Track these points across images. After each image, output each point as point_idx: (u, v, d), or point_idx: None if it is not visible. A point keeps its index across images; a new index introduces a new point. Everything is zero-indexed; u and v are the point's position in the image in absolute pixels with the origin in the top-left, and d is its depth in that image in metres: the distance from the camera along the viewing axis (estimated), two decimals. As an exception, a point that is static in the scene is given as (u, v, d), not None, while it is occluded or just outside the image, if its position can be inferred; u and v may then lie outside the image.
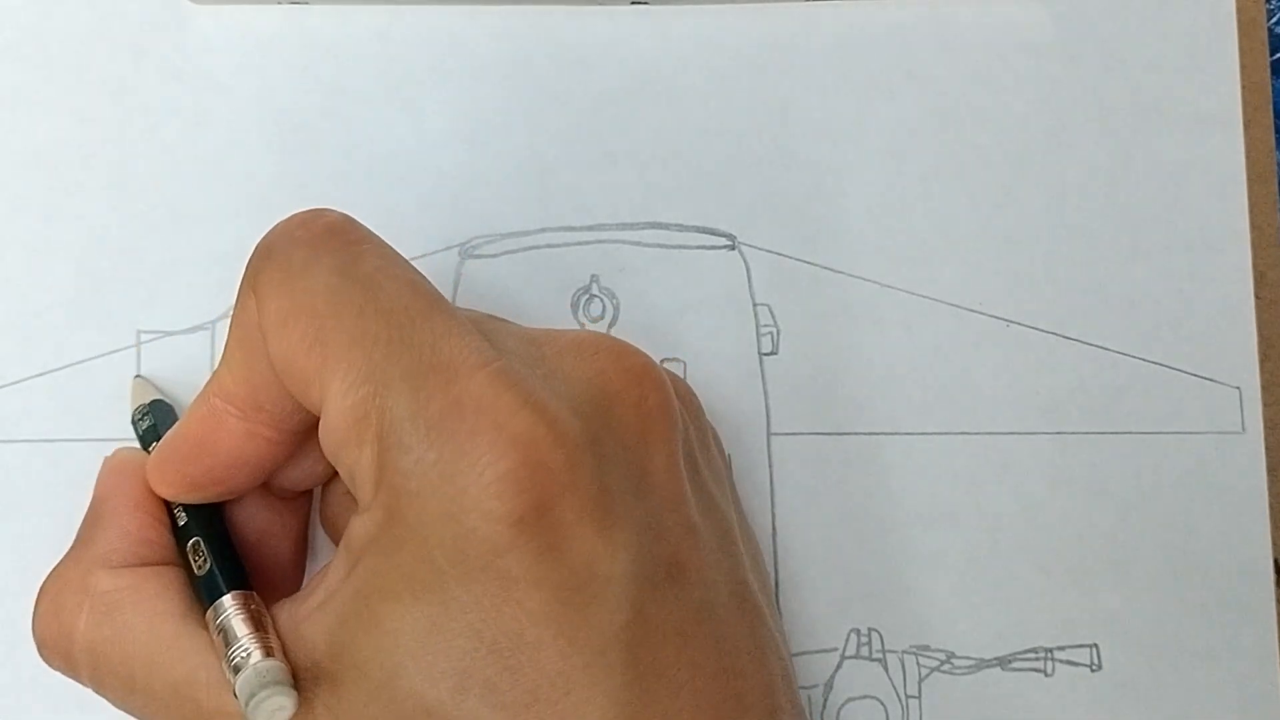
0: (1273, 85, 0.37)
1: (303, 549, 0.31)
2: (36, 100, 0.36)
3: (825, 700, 0.34)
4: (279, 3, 0.36)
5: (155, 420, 0.31)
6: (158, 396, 0.32)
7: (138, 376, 0.34)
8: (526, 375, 0.25)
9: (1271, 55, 0.37)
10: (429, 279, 0.27)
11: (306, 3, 0.36)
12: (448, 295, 0.35)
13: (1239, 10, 0.37)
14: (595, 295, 0.35)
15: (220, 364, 0.27)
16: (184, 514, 0.28)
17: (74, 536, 0.29)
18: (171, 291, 0.35)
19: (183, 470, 0.28)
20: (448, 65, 0.36)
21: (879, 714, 0.34)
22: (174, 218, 0.35)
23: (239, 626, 0.25)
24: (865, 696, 0.34)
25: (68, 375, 0.34)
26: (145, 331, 0.35)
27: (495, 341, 0.26)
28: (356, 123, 0.36)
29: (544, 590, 0.24)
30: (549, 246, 0.35)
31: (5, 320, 0.35)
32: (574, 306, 0.35)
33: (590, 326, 0.35)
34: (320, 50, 0.36)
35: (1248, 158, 0.36)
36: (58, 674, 0.33)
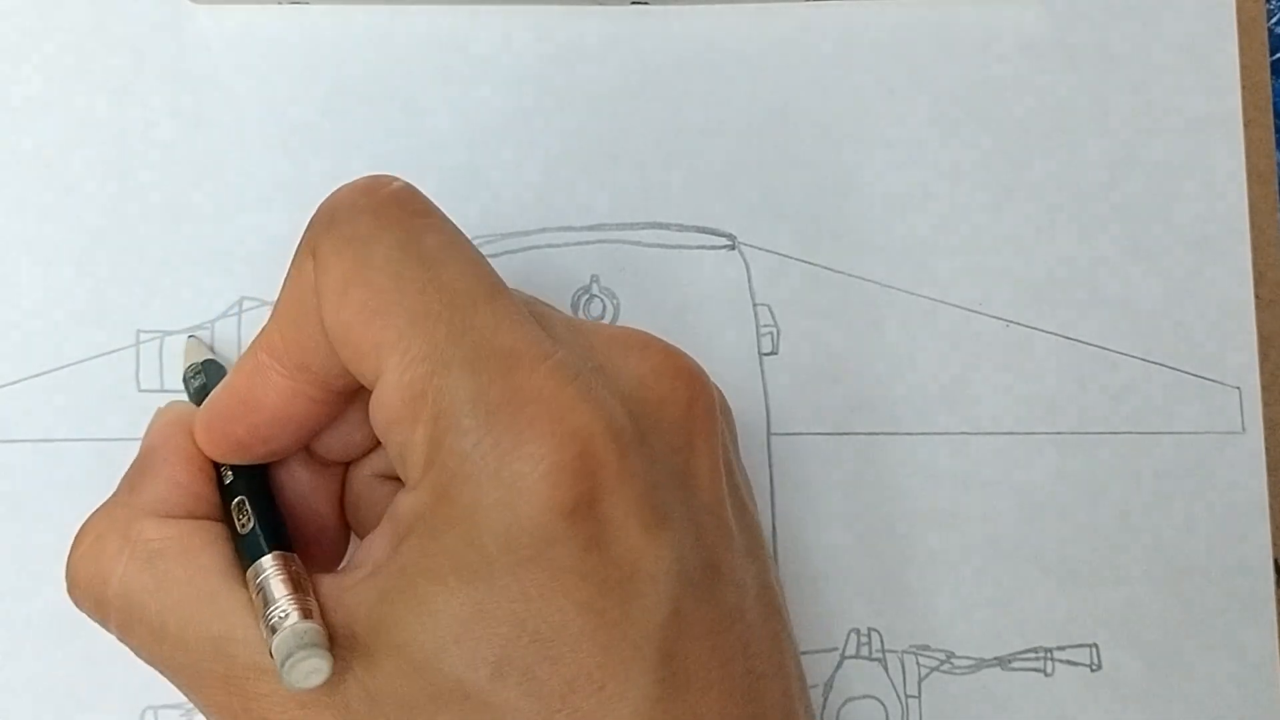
0: (1273, 85, 0.37)
1: (344, 515, 0.31)
2: (37, 100, 0.36)
3: (825, 700, 0.34)
4: (279, 3, 0.36)
5: (207, 379, 0.31)
6: (210, 356, 0.32)
7: (191, 336, 0.34)
8: (584, 370, 0.25)
9: (1271, 55, 0.37)
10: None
11: (306, 3, 0.36)
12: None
13: (1239, 10, 0.37)
14: (595, 295, 0.35)
15: (269, 321, 0.27)
16: (230, 472, 0.28)
17: (119, 481, 0.29)
18: (171, 291, 0.35)
19: (228, 429, 0.28)
20: (448, 65, 0.36)
21: (879, 714, 0.34)
22: (174, 218, 0.35)
23: (278, 587, 0.25)
24: (865, 696, 0.34)
25: (68, 375, 0.34)
26: (145, 331, 0.35)
27: (549, 330, 0.26)
28: (357, 123, 0.36)
29: (590, 583, 0.24)
30: (549, 246, 0.35)
31: (5, 320, 0.35)
32: (574, 306, 0.35)
33: (590, 326, 0.35)
34: (320, 50, 0.36)
35: (1248, 158, 0.36)
36: (57, 674, 0.33)
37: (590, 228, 0.36)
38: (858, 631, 0.34)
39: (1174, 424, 0.35)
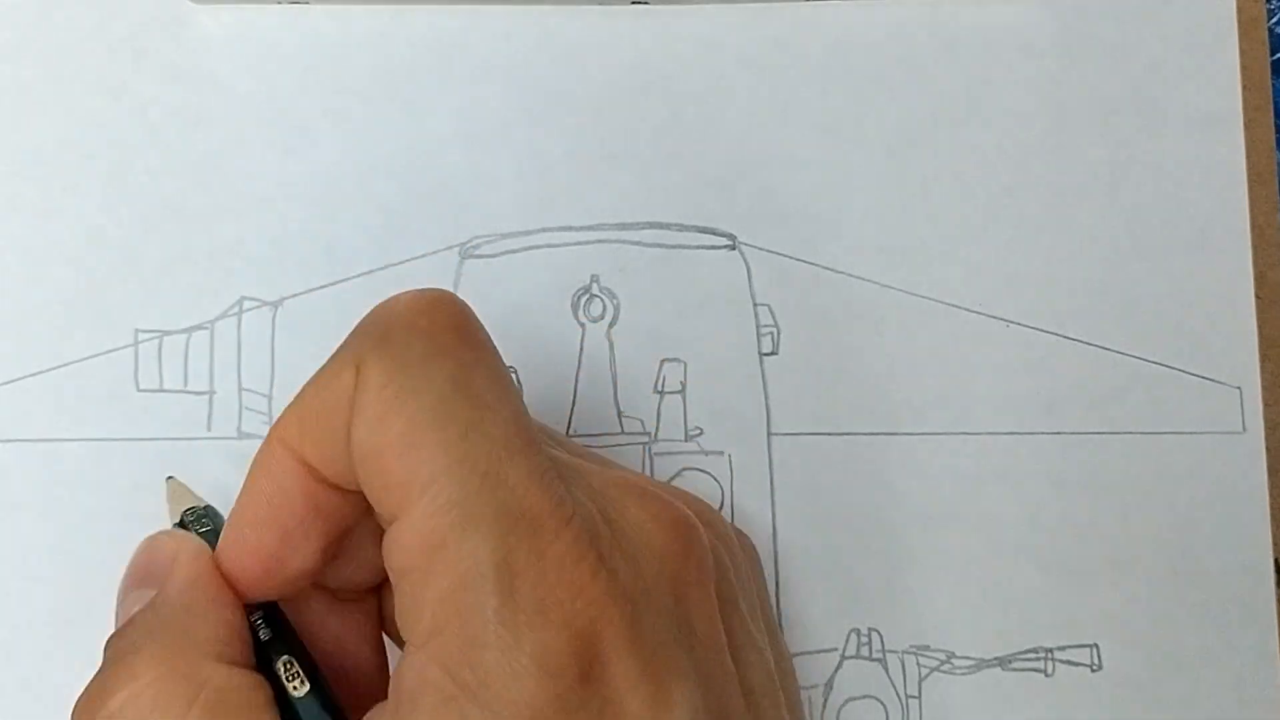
0: (1273, 85, 0.37)
1: (381, 649, 0.30)
2: (36, 100, 0.36)
3: (825, 700, 0.34)
4: (279, 2, 0.36)
5: (213, 525, 0.29)
6: (195, 501, 0.30)
7: (170, 478, 0.32)
8: (602, 532, 0.25)
9: (1271, 55, 0.37)
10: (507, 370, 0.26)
11: (306, 2, 0.36)
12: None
13: (1239, 10, 0.37)
14: (595, 295, 0.35)
15: (287, 412, 0.26)
16: (264, 627, 0.27)
17: (151, 621, 0.27)
18: (171, 291, 0.35)
19: (261, 539, 0.26)
20: (448, 65, 0.36)
21: (879, 714, 0.34)
22: (174, 218, 0.35)
23: None
24: (865, 696, 0.34)
25: (67, 375, 0.34)
26: (144, 331, 0.35)
27: (570, 484, 0.25)
28: (356, 123, 0.36)
29: None
30: (549, 246, 0.35)
31: (5, 320, 0.35)
32: (574, 306, 0.35)
33: (590, 326, 0.35)
34: (320, 50, 0.36)
35: (1248, 158, 0.36)
36: (57, 674, 0.33)
37: (590, 228, 0.36)
38: (858, 631, 0.34)
39: (1174, 424, 0.35)
